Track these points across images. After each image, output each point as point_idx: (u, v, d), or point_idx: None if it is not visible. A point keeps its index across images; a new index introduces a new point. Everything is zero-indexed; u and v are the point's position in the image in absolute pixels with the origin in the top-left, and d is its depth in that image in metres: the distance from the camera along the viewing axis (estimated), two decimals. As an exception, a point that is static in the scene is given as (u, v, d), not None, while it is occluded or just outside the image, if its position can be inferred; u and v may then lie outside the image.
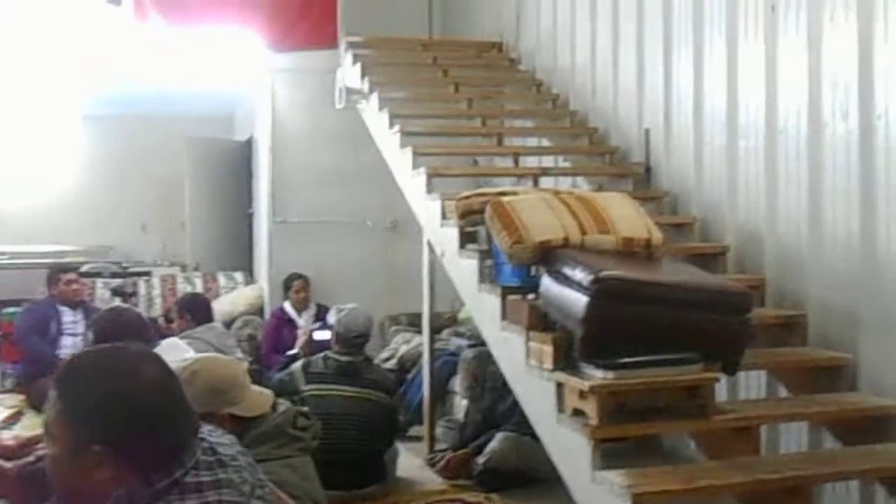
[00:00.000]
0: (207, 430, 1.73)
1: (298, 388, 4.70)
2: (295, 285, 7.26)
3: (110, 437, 1.53)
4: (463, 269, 4.39)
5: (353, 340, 4.83)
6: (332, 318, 5.08)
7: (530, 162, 5.77)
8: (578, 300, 3.28)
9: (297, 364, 4.90)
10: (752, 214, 4.47)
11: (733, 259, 4.55)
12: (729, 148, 4.64)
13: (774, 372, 3.98)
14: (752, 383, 4.15)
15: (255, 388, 3.01)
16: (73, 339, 6.99)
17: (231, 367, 3.05)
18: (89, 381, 1.59)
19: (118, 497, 1.52)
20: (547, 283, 3.54)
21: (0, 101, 9.35)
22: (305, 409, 2.81)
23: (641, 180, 5.36)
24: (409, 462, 5.20)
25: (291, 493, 2.47)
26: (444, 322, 6.90)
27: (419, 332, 6.71)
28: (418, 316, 6.89)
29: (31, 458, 5.13)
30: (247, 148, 9.25)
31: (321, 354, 4.95)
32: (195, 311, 5.43)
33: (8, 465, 5.19)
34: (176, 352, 3.72)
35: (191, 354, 4.24)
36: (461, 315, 6.73)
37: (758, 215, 4.42)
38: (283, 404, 2.92)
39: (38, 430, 5.81)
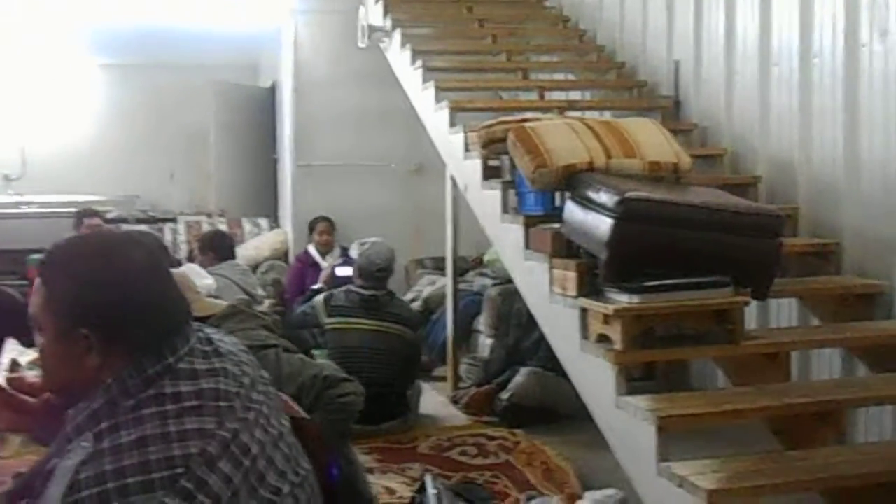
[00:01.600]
0: (210, 331, 1.65)
1: (320, 321, 4.65)
2: (319, 227, 7.18)
3: (98, 320, 1.46)
4: (486, 201, 4.31)
5: (376, 274, 4.76)
6: (354, 251, 5.01)
7: (556, 97, 5.66)
8: (603, 222, 3.18)
9: (319, 297, 4.84)
10: (784, 144, 4.35)
11: (765, 189, 4.42)
12: (761, 76, 4.51)
13: (807, 300, 3.87)
14: (783, 312, 4.04)
15: (209, 299, 3.01)
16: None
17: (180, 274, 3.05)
18: (73, 264, 1.52)
19: (109, 385, 1.45)
20: (571, 208, 3.44)
21: (23, 51, 9.32)
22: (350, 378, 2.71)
23: (670, 113, 5.23)
24: (433, 400, 5.15)
25: None
26: (470, 265, 6.82)
27: (444, 275, 6.65)
28: (443, 260, 6.83)
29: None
30: (271, 94, 9.17)
31: (343, 288, 4.88)
32: (218, 247, 5.38)
33: (32, 399, 5.21)
34: (196, 277, 3.69)
35: (210, 281, 4.22)
36: (487, 257, 6.65)
37: (791, 144, 4.29)
38: (327, 367, 2.83)
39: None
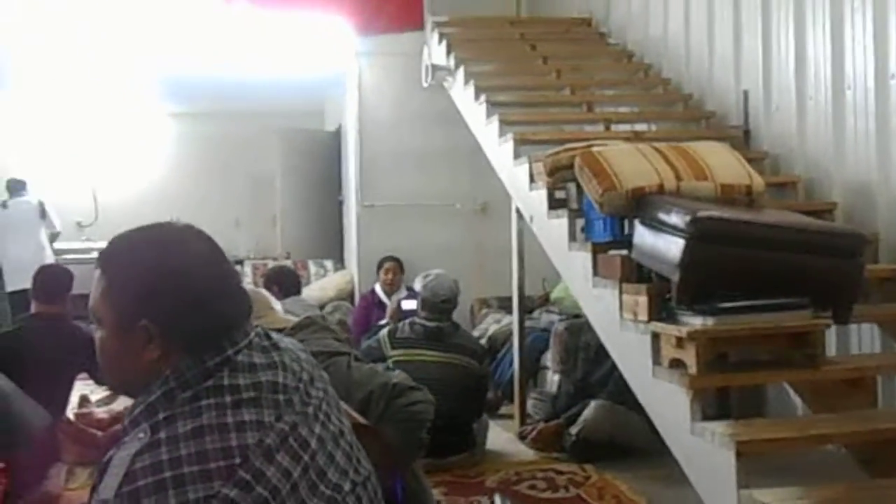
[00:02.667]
0: (270, 331, 1.62)
1: (385, 353, 4.60)
2: (385, 267, 7.18)
3: (157, 311, 1.44)
4: (553, 230, 4.25)
5: (440, 305, 4.72)
6: (417, 284, 4.98)
7: (622, 129, 5.59)
8: (675, 244, 3.10)
9: (384, 331, 4.80)
10: (861, 168, 4.21)
11: (842, 216, 4.28)
12: (835, 101, 4.38)
13: (889, 326, 3.70)
14: (864, 338, 3.88)
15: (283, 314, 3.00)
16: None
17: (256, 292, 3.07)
18: (134, 255, 1.50)
19: (168, 377, 1.42)
20: (641, 232, 3.37)
21: (95, 100, 9.58)
22: (419, 387, 2.67)
23: (740, 143, 5.12)
24: (500, 437, 5.05)
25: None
26: (536, 303, 6.74)
27: (509, 313, 6.57)
28: (509, 300, 6.75)
29: (120, 427, 5.15)
30: (336, 137, 9.26)
31: (408, 320, 4.85)
32: (282, 282, 5.39)
33: (100, 433, 5.23)
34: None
35: (279, 307, 4.20)
36: (553, 295, 6.55)
37: (868, 168, 4.15)
38: (396, 376, 2.78)
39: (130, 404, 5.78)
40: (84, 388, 5.37)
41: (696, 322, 3.05)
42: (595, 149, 3.69)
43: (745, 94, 5.19)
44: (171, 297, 1.45)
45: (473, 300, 7.44)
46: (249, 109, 9.73)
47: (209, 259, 1.52)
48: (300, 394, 1.49)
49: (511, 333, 6.05)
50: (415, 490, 2.37)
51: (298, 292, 5.51)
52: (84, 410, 5.14)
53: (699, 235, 3.03)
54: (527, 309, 5.91)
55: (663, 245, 3.18)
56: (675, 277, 3.10)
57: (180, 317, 1.44)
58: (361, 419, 2.05)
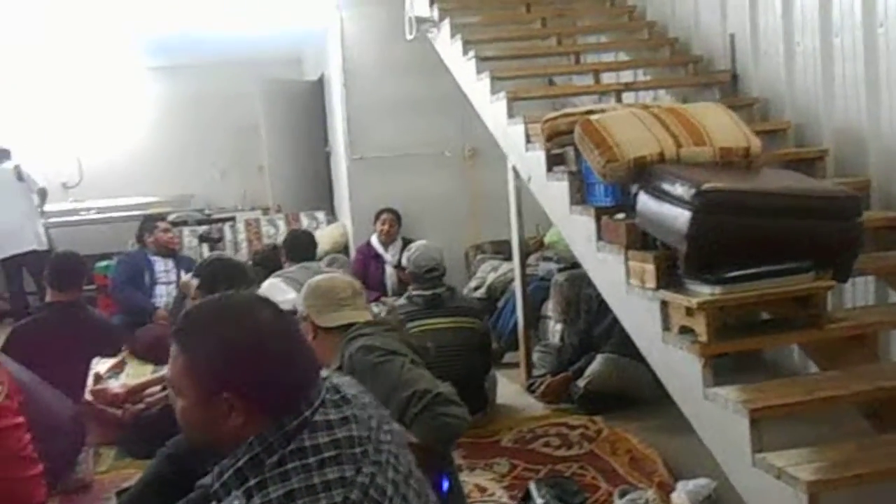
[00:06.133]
0: (326, 372, 1.72)
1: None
2: (382, 218, 7.24)
3: (237, 382, 1.53)
4: (552, 192, 4.31)
5: (427, 275, 4.80)
6: (403, 261, 5.10)
7: (610, 78, 5.62)
8: (681, 215, 3.18)
9: (382, 312, 4.88)
10: (851, 115, 4.29)
11: (833, 163, 4.38)
12: (823, 48, 4.44)
13: (884, 276, 3.84)
14: (858, 290, 4.02)
15: (353, 311, 3.06)
16: (166, 287, 7.11)
17: (329, 282, 3.16)
18: (209, 330, 1.59)
19: (251, 442, 1.52)
20: (644, 201, 3.44)
21: (73, 59, 9.45)
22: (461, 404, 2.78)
23: (728, 88, 5.19)
24: (508, 389, 5.19)
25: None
26: (531, 247, 6.83)
27: (505, 259, 6.67)
28: (503, 243, 6.85)
29: (141, 406, 5.26)
30: (319, 87, 9.21)
31: (404, 295, 4.96)
32: (290, 249, 5.47)
33: (119, 412, 5.32)
34: (276, 293, 3.76)
35: (292, 296, 4.29)
36: (548, 238, 6.66)
37: (859, 116, 4.23)
38: (444, 386, 2.87)
39: (143, 379, 5.91)
40: (95, 367, 5.47)
41: (704, 291, 3.15)
42: (594, 117, 3.74)
43: (732, 37, 5.23)
44: (247, 367, 1.54)
45: (468, 247, 7.54)
46: (226, 60, 9.65)
47: (277, 325, 1.60)
48: (373, 443, 1.60)
49: (509, 282, 6.17)
50: (456, 486, 2.51)
51: (311, 258, 5.58)
52: (99, 387, 5.27)
53: (705, 208, 3.11)
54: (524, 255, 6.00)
55: (669, 215, 3.27)
56: (683, 248, 3.19)
57: (258, 384, 1.54)
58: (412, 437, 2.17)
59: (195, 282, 3.95)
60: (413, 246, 5.10)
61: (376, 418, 1.68)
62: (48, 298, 4.78)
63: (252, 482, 1.49)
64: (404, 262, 5.09)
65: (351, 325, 3.02)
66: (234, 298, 1.69)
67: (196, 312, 1.65)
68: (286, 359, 1.57)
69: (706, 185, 3.15)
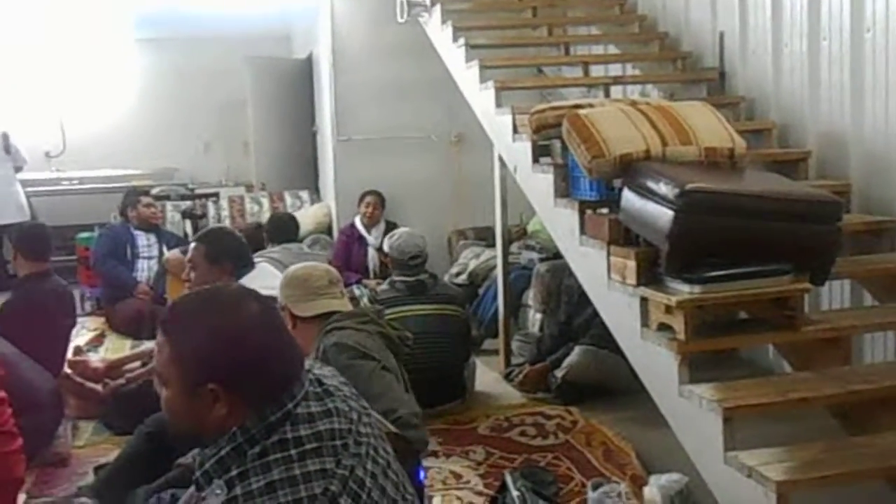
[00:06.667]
0: (309, 363, 1.75)
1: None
2: (366, 201, 7.24)
3: (222, 374, 1.56)
4: (537, 183, 4.34)
5: (410, 262, 4.83)
6: (386, 245, 5.13)
7: (599, 70, 5.65)
8: (664, 214, 3.22)
9: (365, 298, 4.90)
10: (835, 118, 4.35)
11: (815, 164, 4.44)
12: (810, 50, 4.48)
13: (862, 280, 3.90)
14: (835, 292, 4.08)
15: (330, 300, 3.08)
16: (147, 262, 7.13)
17: (305, 271, 3.16)
18: (196, 321, 1.61)
19: (235, 433, 1.56)
20: (629, 197, 3.48)
21: (60, 29, 9.38)
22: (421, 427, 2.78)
23: (715, 86, 5.23)
24: (487, 376, 5.23)
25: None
26: (514, 235, 6.87)
27: (488, 245, 6.71)
28: (486, 230, 6.90)
29: (121, 381, 5.26)
30: (307, 65, 9.19)
31: (387, 280, 4.99)
32: (270, 230, 5.48)
33: (99, 387, 5.33)
34: (265, 279, 3.79)
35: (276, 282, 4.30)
36: (531, 227, 6.69)
37: (842, 119, 4.29)
38: (407, 406, 2.86)
39: (123, 353, 5.93)
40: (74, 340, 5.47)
41: (684, 290, 3.19)
42: (582, 111, 3.77)
43: (721, 35, 5.27)
44: (232, 359, 1.57)
45: (451, 232, 7.57)
46: (215, 35, 9.60)
47: (262, 318, 1.63)
48: (353, 435, 1.64)
49: (491, 269, 6.20)
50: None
51: (292, 240, 5.60)
52: (79, 358, 5.27)
53: (688, 208, 3.16)
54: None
55: (652, 213, 3.31)
56: (665, 247, 3.23)
57: (242, 377, 1.57)
58: (392, 427, 2.20)
59: (202, 248, 3.93)
60: (396, 232, 5.12)
61: (356, 410, 1.72)
62: (21, 271, 4.74)
63: (234, 472, 1.52)
64: (386, 247, 5.11)
65: (329, 314, 3.04)
66: (222, 290, 1.72)
67: (183, 304, 1.68)
68: (272, 352, 1.60)
69: (690, 186, 3.19)
